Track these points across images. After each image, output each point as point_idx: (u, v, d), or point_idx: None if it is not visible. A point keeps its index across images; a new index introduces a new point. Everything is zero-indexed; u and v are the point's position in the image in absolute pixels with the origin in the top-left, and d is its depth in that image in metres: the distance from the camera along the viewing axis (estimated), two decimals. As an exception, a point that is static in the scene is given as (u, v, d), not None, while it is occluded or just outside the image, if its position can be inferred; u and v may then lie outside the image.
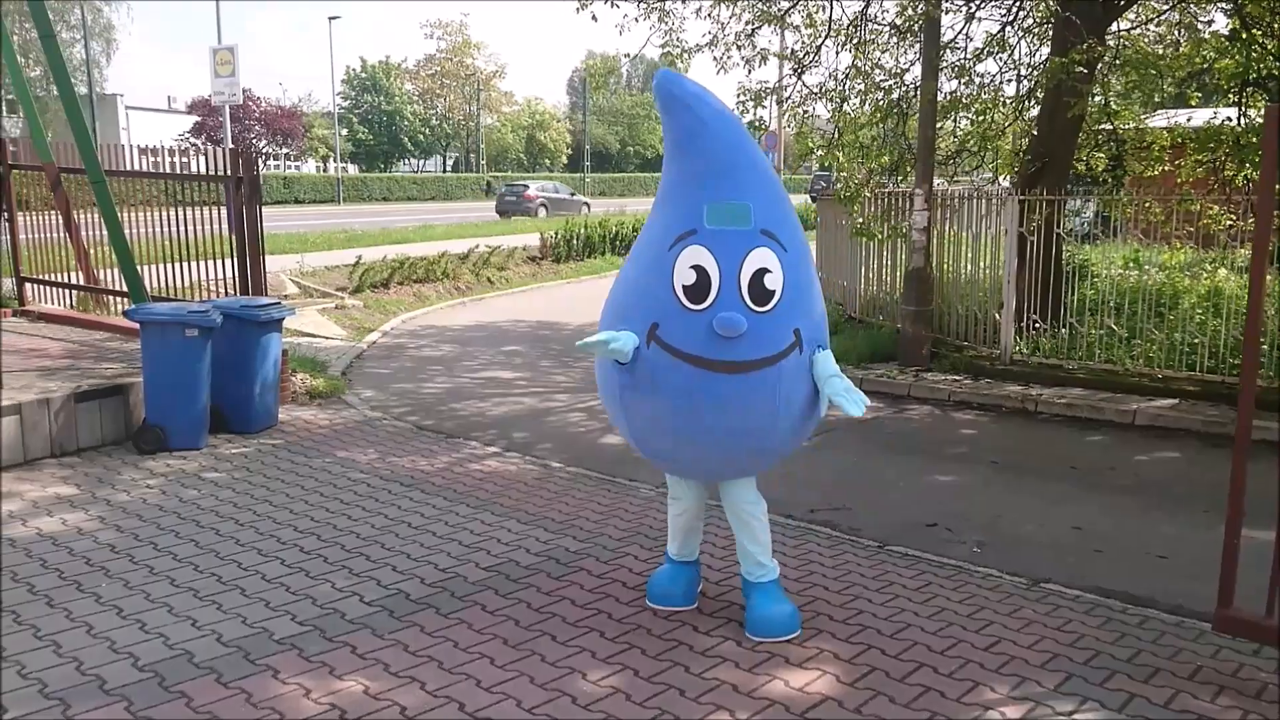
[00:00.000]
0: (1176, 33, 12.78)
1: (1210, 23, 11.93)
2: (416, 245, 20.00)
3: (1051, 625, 4.05)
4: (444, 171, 71.03)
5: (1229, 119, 12.20)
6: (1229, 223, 11.35)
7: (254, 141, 51.22)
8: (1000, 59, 11.03)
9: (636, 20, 11.55)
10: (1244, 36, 11.28)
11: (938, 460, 6.97)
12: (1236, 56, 11.71)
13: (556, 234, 20.69)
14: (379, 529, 5.09)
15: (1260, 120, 11.99)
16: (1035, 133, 9.54)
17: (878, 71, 11.38)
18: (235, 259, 8.11)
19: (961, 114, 10.70)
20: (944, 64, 10.17)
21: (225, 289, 8.43)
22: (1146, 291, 9.73)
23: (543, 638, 3.84)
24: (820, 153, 12.54)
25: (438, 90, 70.28)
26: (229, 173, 8.06)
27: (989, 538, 5.31)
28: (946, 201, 10.54)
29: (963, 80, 10.36)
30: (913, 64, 10.84)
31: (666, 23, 12.21)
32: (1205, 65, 12.44)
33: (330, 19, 55.50)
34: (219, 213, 8.42)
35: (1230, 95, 12.30)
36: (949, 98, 10.32)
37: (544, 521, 5.27)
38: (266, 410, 7.16)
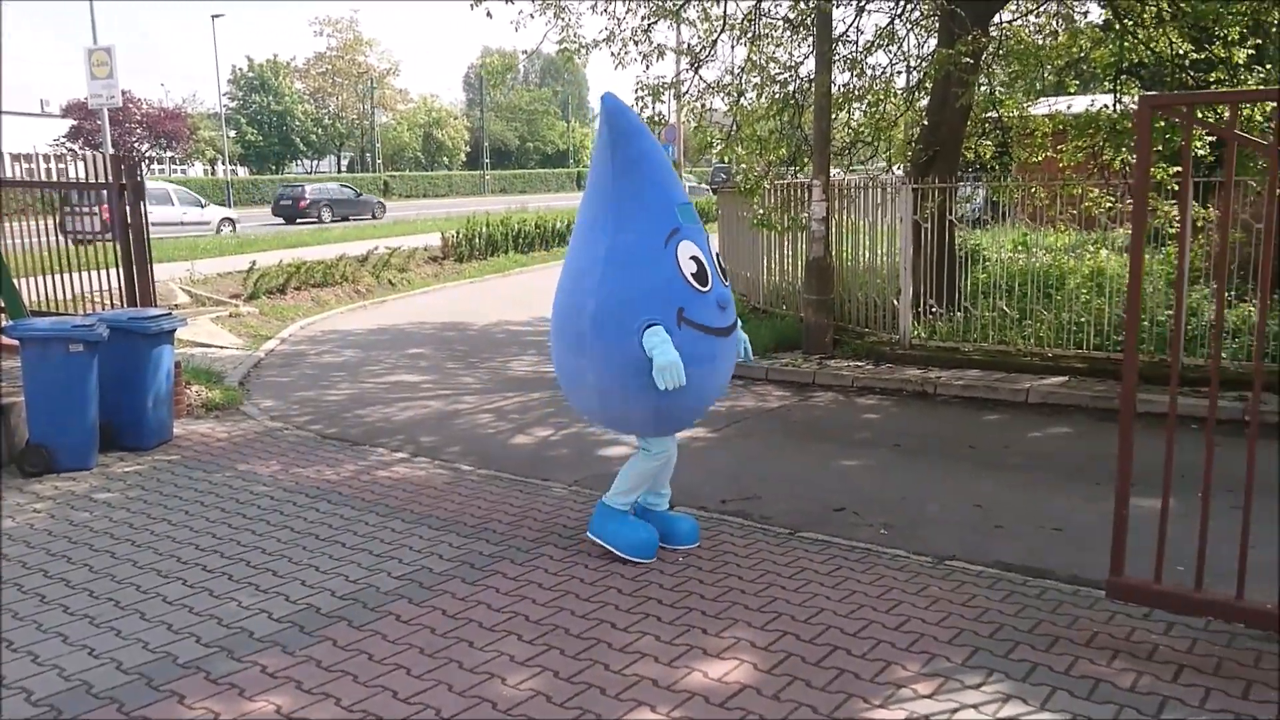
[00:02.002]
0: (1054, 23, 13.32)
1: (1086, 14, 12.47)
2: (313, 249, 19.54)
3: (957, 601, 4.18)
4: (339, 172, 69.43)
5: (1105, 106, 12.78)
6: (1108, 205, 11.88)
7: (135, 145, 49.20)
8: (890, 51, 11.30)
9: (532, 16, 11.45)
10: (1116, 27, 11.80)
11: (843, 445, 7.12)
12: (1110, 46, 12.26)
13: (458, 233, 20.44)
14: (285, 543, 4.95)
15: (1135, 106, 12.60)
16: (926, 123, 9.79)
17: (773, 65, 11.55)
18: (121, 269, 7.79)
19: (855, 106, 10.92)
20: (836, 57, 10.38)
21: (111, 300, 8.09)
22: (1035, 274, 10.11)
23: (459, 644, 3.79)
24: (719, 146, 12.69)
25: (329, 89, 68.65)
26: (111, 179, 7.73)
27: (895, 519, 5.45)
28: (844, 191, 10.77)
29: (855, 73, 10.58)
30: (806, 58, 11.03)
31: (563, 18, 12.17)
32: (1082, 55, 12.98)
33: (213, 17, 53.58)
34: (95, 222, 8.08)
35: (1106, 83, 12.86)
36: (843, 90, 10.53)
37: (456, 526, 5.20)
38: (160, 425, 6.90)
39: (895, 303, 9.87)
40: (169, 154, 55.45)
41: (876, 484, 6.15)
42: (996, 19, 11.20)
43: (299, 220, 34.72)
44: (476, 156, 71.54)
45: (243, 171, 62.31)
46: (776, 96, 10.69)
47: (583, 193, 4.67)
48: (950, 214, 9.75)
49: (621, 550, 4.65)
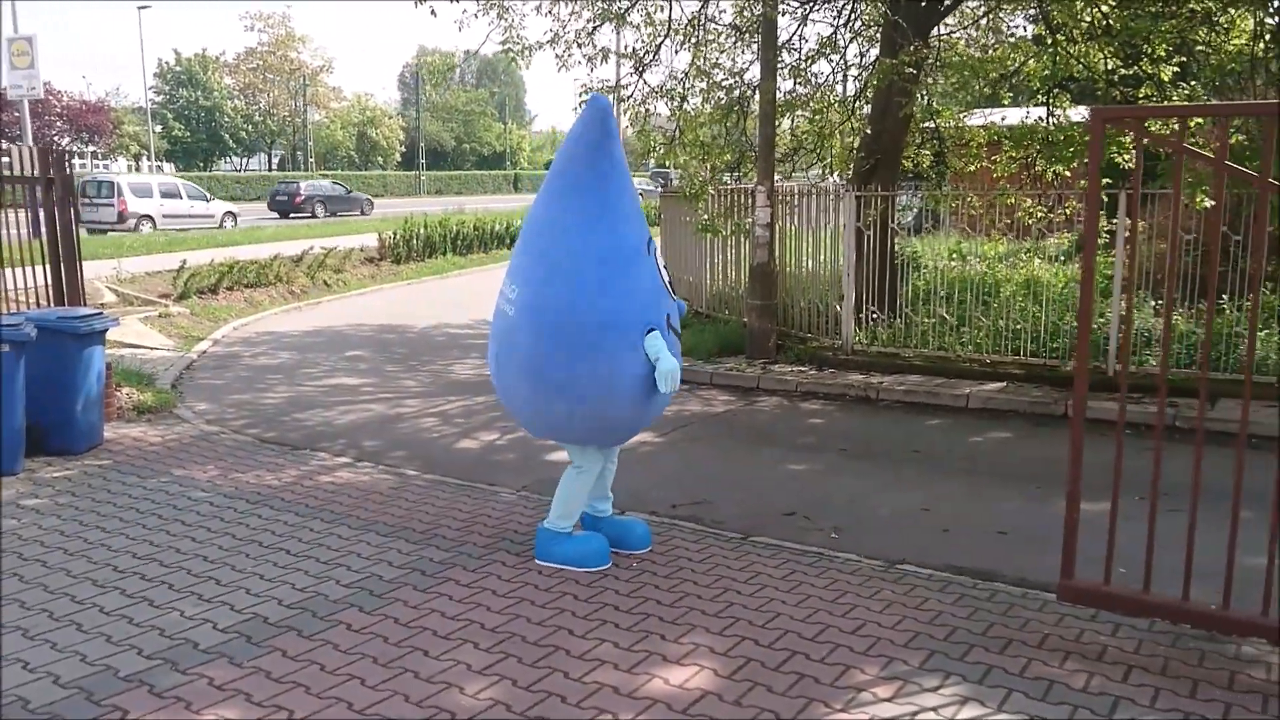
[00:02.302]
0: (987, 36, 13.62)
1: (1015, 29, 12.76)
2: (245, 248, 19.06)
3: (911, 605, 4.22)
4: (269, 170, 68.04)
5: (1040, 118, 13.10)
6: (1040, 215, 12.19)
7: (56, 139, 47.57)
8: (832, 60, 11.44)
9: (476, 16, 11.34)
10: (1049, 42, 12.11)
11: (790, 450, 7.17)
12: (1044, 60, 12.58)
13: (395, 234, 20.14)
14: (227, 550, 4.80)
15: (1068, 119, 12.94)
16: (869, 131, 9.92)
17: (717, 71, 11.61)
18: (48, 266, 7.50)
19: (799, 113, 11.03)
20: (781, 64, 10.47)
21: (38, 299, 7.79)
22: (971, 282, 10.31)
23: (414, 654, 3.71)
24: (661, 150, 12.71)
25: (260, 85, 67.19)
26: (37, 173, 7.44)
27: (845, 523, 5.49)
28: (785, 198, 10.86)
29: (799, 80, 10.68)
30: (750, 64, 11.10)
31: (506, 19, 12.08)
32: (1016, 68, 13.30)
33: (139, 8, 52.17)
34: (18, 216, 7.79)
35: (1040, 96, 13.19)
36: (787, 97, 10.63)
37: (404, 533, 5.10)
38: (90, 429, 6.65)
39: (838, 308, 9.98)
40: (91, 148, 53.73)
41: (825, 488, 6.20)
42: (935, 31, 11.41)
43: (293, 215, 35.63)
44: (412, 157, 70.65)
45: (169, 168, 60.58)
46: (722, 102, 10.73)
47: (544, 187, 4.46)
48: (892, 221, 9.89)
49: (577, 565, 4.58)
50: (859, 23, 11.05)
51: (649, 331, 4.24)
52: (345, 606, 4.14)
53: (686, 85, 12.43)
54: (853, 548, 5.04)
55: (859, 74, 11.47)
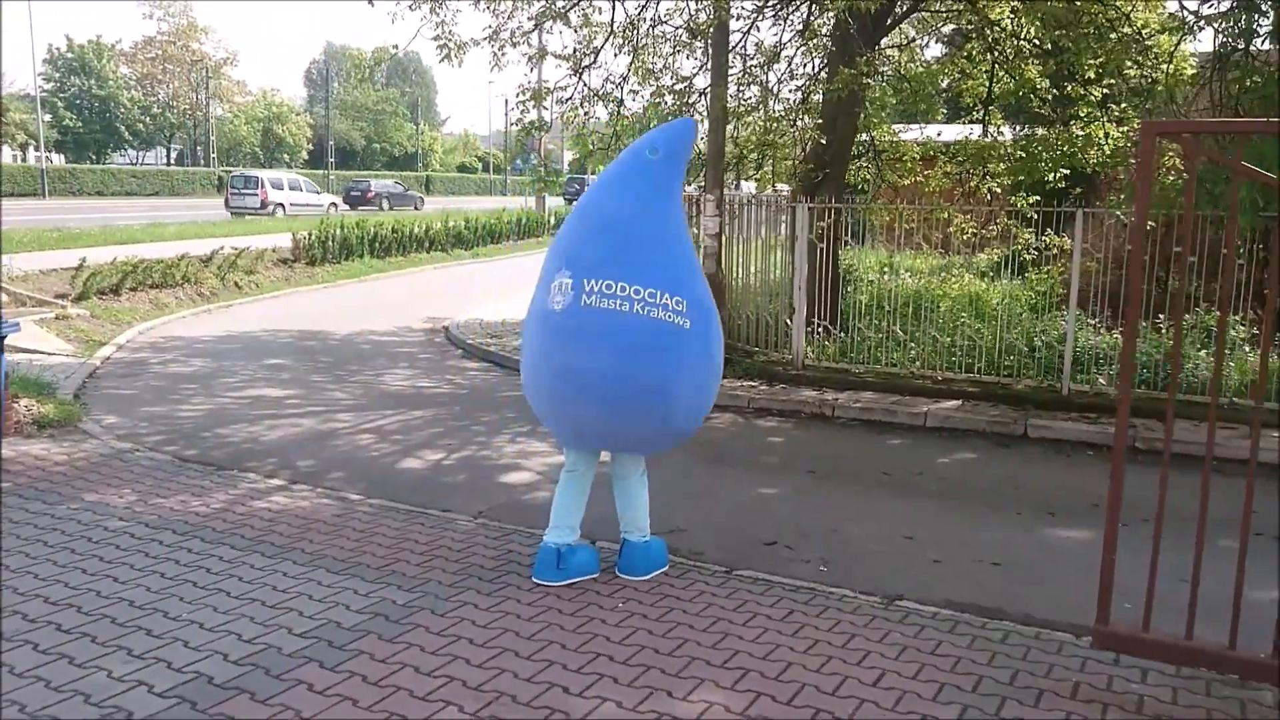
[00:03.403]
0: (923, 53, 13.64)
1: (957, 44, 12.77)
2: (147, 246, 17.92)
3: (925, 650, 3.92)
4: (168, 164, 65.33)
5: (975, 135, 13.15)
6: (971, 230, 12.21)
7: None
8: (779, 70, 11.23)
9: (411, 8, 10.77)
10: (987, 58, 12.15)
11: (755, 471, 6.84)
12: (979, 78, 12.63)
13: (310, 235, 19.23)
14: (156, 592, 4.23)
15: (1000, 137, 13.02)
16: (825, 140, 9.71)
17: (665, 74, 11.30)
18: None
19: (746, 120, 10.77)
20: (733, 69, 10.19)
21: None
22: (915, 297, 10.20)
23: (392, 719, 3.24)
24: (598, 153, 12.34)
25: (159, 75, 64.48)
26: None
27: (830, 553, 5.18)
28: (732, 209, 10.58)
29: (750, 83, 10.43)
30: (699, 70, 10.79)
31: (439, 13, 11.55)
32: (948, 84, 13.31)
33: (28, -10, 49.45)
34: None
35: (975, 112, 13.25)
36: (740, 104, 10.36)
37: (358, 569, 4.59)
38: (-12, 447, 6.05)
39: (788, 322, 9.74)
40: (-28, 136, 50.70)
41: (800, 514, 5.88)
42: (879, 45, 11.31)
43: (361, 207, 40.78)
44: (320, 155, 68.61)
45: (59, 159, 57.62)
46: (670, 106, 10.40)
47: (629, 187, 4.46)
48: (845, 234, 9.70)
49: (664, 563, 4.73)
50: (809, 30, 10.84)
51: None
52: (303, 661, 3.63)
53: (625, 89, 12.10)
54: (844, 581, 4.73)
55: (808, 84, 11.25)
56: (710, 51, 9.79)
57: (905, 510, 5.97)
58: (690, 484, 6.49)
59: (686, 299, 4.22)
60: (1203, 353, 8.70)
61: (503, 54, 12.76)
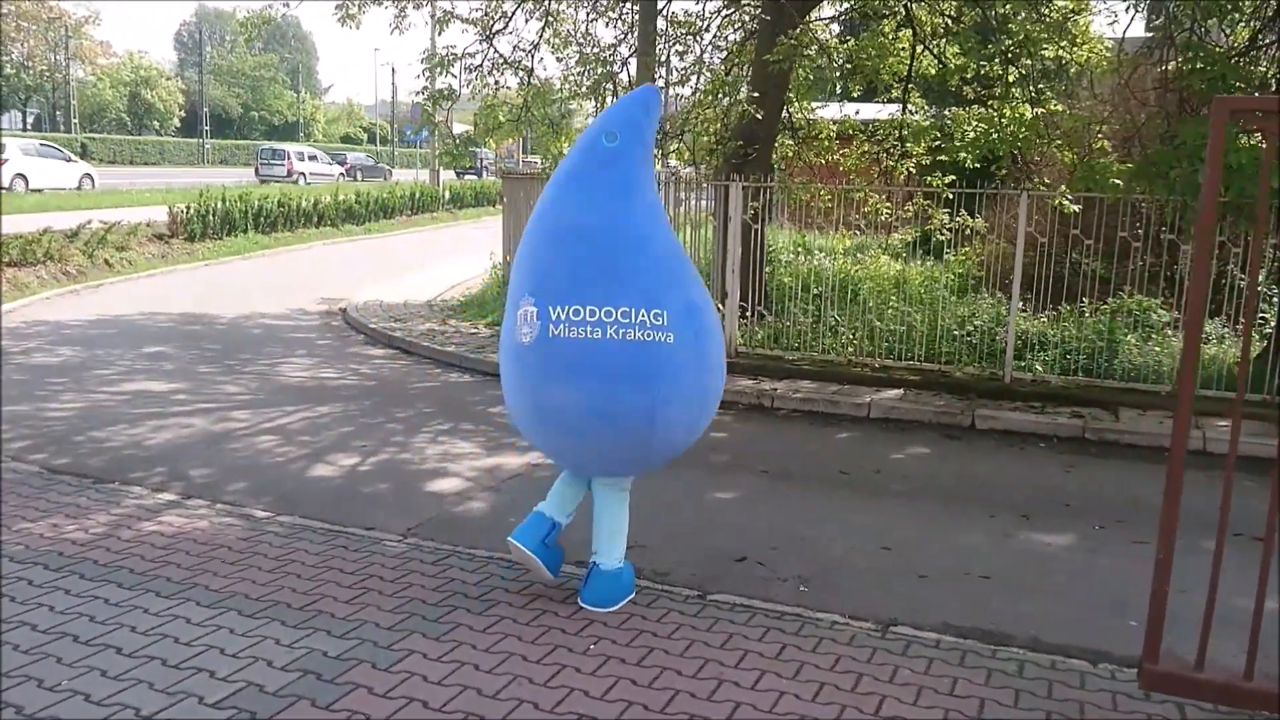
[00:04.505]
0: (844, 29, 13.31)
1: (879, 21, 12.46)
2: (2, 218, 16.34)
3: (942, 690, 3.48)
4: (24, 129, 60.84)
5: (894, 114, 12.91)
6: (886, 210, 11.97)
7: None
8: (702, 41, 10.71)
9: (304, -37, 9.83)
10: (910, 37, 11.88)
11: (705, 472, 6.32)
12: (900, 56, 12.36)
13: (189, 208, 17.83)
14: (30, 651, 3.46)
15: (917, 116, 12.80)
16: (760, 116, 9.22)
17: (583, 42, 10.66)
18: None
19: (676, 94, 10.21)
20: (661, 36, 9.61)
21: None
22: (846, 279, 9.87)
23: (340, 824, 2.61)
24: (505, 124, 11.67)
25: (12, 34, 59.79)
26: None
27: (806, 569, 4.72)
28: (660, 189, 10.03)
29: (678, 55, 9.88)
30: (624, 37, 10.17)
31: (336, -31, 10.66)
32: (869, 61, 13.03)
33: None
34: None
35: (894, 90, 13.00)
36: (675, 74, 9.80)
37: (276, 609, 3.90)
38: None
39: (720, 307, 9.26)
40: None
41: (762, 522, 5.40)
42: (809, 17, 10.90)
43: (342, 177, 42.31)
44: (193, 123, 64.98)
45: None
46: (596, 75, 9.76)
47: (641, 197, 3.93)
48: (779, 213, 9.27)
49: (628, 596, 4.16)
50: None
51: None
52: (220, 743, 2.95)
53: (536, 57, 11.42)
54: (831, 605, 4.26)
55: (733, 54, 10.76)
56: (638, 18, 9.18)
57: (873, 515, 5.56)
58: (639, 489, 5.92)
59: (668, 309, 3.73)
60: (1130, 338, 8.59)
61: (404, 16, 11.93)
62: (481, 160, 47.03)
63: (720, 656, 3.67)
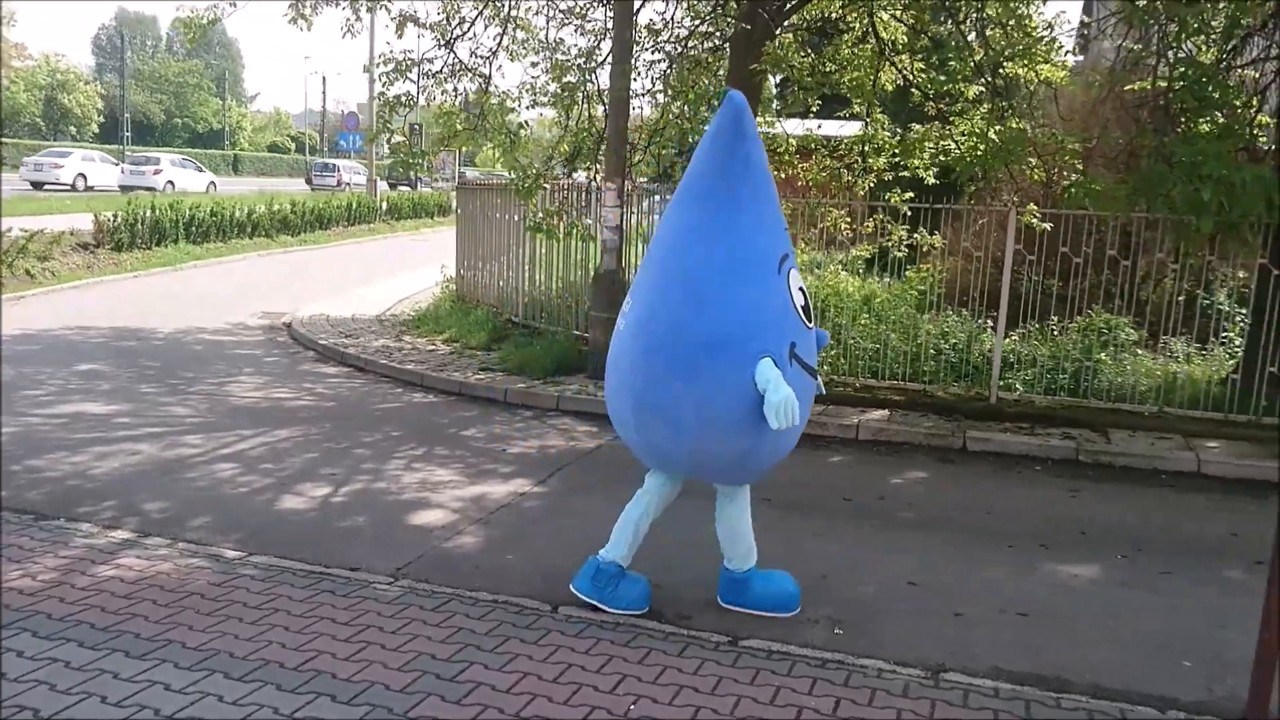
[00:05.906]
0: (803, 43, 13.16)
1: (844, 34, 12.35)
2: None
3: (1020, 749, 3.18)
4: (-70, 133, 58.00)
5: (858, 130, 12.79)
6: (846, 225, 11.82)
7: None
8: (672, 50, 10.43)
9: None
10: (871, 54, 11.77)
11: (702, 500, 5.95)
12: (866, 70, 12.25)
13: (116, 216, 16.92)
14: (-22, 731, 2.96)
15: (886, 129, 12.71)
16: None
17: (543, 51, 10.30)
18: None
19: (656, 104, 9.90)
20: (638, 43, 9.29)
21: None
22: (817, 296, 9.64)
23: None
24: (462, 132, 11.25)
25: (-82, 33, 57.09)
26: None
27: (835, 610, 4.39)
28: (636, 200, 9.69)
29: (653, 64, 9.57)
30: (596, 44, 9.82)
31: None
32: (833, 73, 12.89)
33: None
34: None
35: (856, 105, 12.89)
36: (653, 82, 9.48)
37: (268, 670, 3.44)
38: None
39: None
40: None
41: (777, 555, 5.01)
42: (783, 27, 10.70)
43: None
44: (112, 129, 62.68)
45: None
46: (567, 85, 9.40)
47: (675, 195, 3.99)
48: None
49: (619, 608, 4.17)
50: (718, 8, 10.06)
51: (763, 357, 3.66)
52: (225, 845, 2.50)
53: (494, 65, 11.04)
54: (871, 649, 3.96)
55: (706, 68, 10.49)
56: (612, 24, 8.83)
57: (889, 548, 5.27)
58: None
59: (633, 306, 3.96)
60: (1102, 355, 8.49)
61: (358, 19, 11.49)
62: (414, 172, 46.56)
63: (773, 715, 3.32)
